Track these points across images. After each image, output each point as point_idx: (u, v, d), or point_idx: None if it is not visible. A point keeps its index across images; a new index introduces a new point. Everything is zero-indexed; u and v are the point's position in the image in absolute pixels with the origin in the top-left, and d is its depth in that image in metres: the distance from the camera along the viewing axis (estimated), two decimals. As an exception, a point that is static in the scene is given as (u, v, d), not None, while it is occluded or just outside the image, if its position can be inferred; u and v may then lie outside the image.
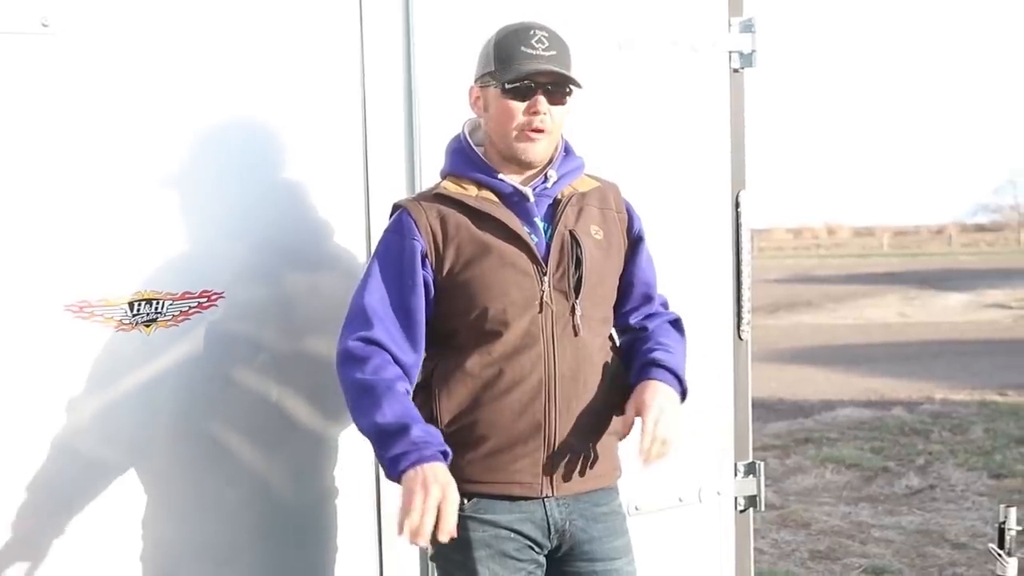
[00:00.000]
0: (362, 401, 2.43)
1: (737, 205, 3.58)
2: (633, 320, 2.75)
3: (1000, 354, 14.74)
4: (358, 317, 2.52)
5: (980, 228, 68.81)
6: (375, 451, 2.43)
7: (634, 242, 2.74)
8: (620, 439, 2.69)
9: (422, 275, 2.53)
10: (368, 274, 2.57)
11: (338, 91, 2.94)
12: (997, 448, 8.73)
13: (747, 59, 3.55)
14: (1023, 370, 13.05)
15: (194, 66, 2.76)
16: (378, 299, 2.52)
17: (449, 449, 2.40)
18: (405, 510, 2.31)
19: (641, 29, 3.35)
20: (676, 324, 2.78)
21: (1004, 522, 3.58)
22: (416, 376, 2.57)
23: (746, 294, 3.58)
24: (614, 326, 2.75)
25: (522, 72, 2.50)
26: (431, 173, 2.95)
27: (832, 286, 27.73)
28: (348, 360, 2.48)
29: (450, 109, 2.96)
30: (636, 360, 2.67)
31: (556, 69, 2.50)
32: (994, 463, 8.25)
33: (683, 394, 2.64)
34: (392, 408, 2.40)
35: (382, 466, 2.41)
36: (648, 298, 2.77)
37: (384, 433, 2.38)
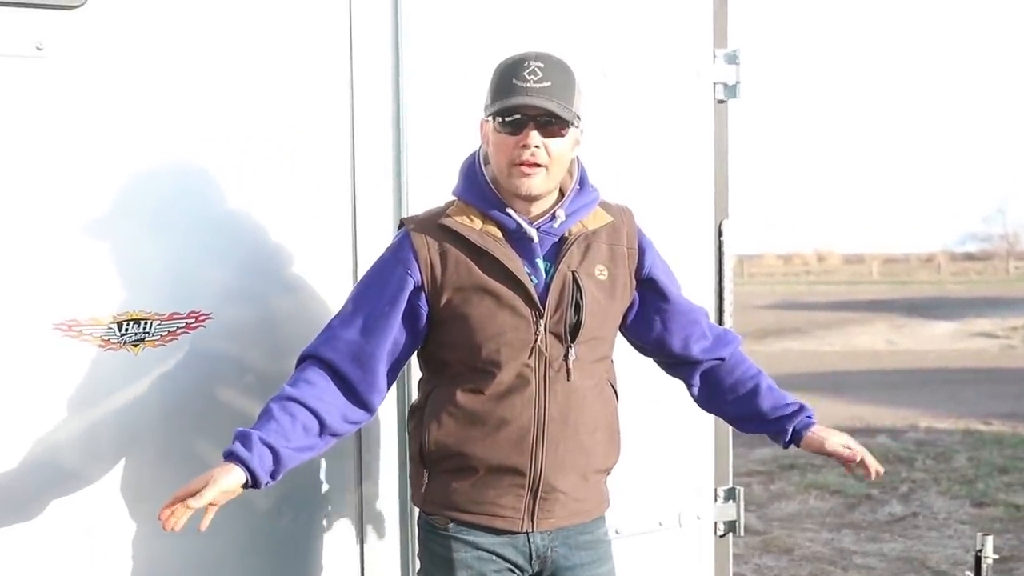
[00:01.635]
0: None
1: (720, 234, 3.62)
2: (698, 352, 2.82)
3: (986, 383, 14.79)
4: (323, 335, 2.58)
5: (969, 257, 68.93)
6: None
7: (647, 281, 2.71)
8: (608, 474, 2.73)
9: (408, 307, 2.54)
10: (355, 289, 2.62)
11: (326, 112, 2.98)
12: (980, 476, 8.78)
13: (731, 90, 3.59)
14: (1008, 399, 13.09)
15: (184, 88, 2.79)
16: (346, 316, 2.57)
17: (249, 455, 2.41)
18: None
19: (626, 58, 3.39)
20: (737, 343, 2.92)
21: (981, 550, 3.61)
22: (372, 399, 2.58)
23: (728, 321, 3.62)
24: (664, 356, 2.83)
25: (506, 105, 2.45)
26: (418, 191, 2.98)
27: (821, 313, 27.77)
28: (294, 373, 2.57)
29: (438, 131, 3.00)
30: (760, 403, 2.85)
31: (537, 103, 2.43)
32: (977, 491, 8.29)
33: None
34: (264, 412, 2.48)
35: None
36: (687, 328, 2.79)
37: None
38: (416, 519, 2.74)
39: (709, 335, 2.82)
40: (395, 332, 2.55)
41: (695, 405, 3.26)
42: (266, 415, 2.45)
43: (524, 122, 2.46)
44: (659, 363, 2.90)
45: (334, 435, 2.54)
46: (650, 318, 2.76)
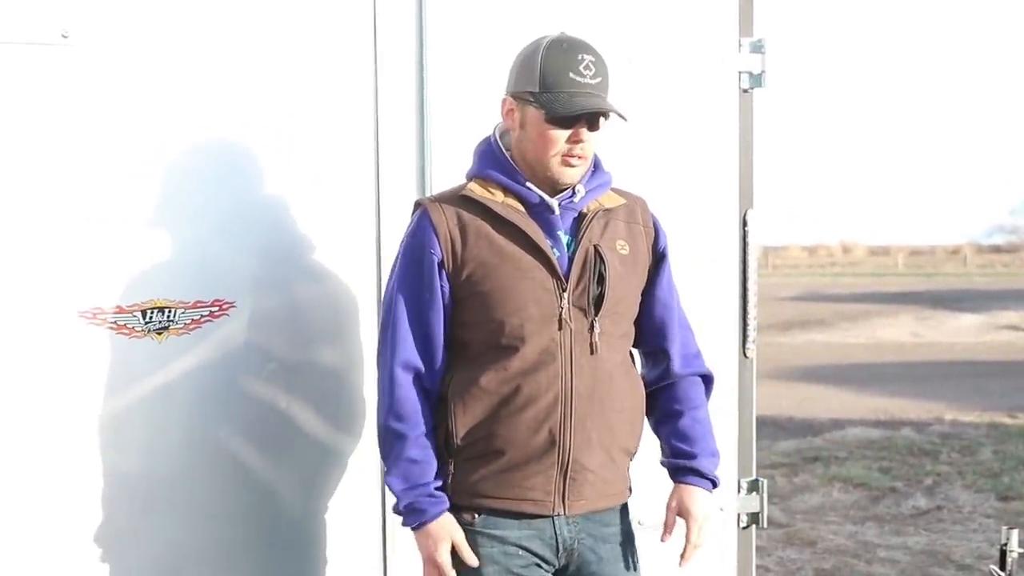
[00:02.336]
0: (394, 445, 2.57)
1: (744, 223, 3.60)
2: (652, 346, 2.75)
3: (1012, 376, 14.69)
4: (394, 343, 2.57)
5: (996, 249, 68.48)
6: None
7: (658, 259, 2.72)
8: (631, 458, 2.72)
9: (439, 287, 2.54)
10: (393, 288, 2.59)
11: (349, 100, 2.98)
12: (1005, 470, 8.72)
13: (756, 79, 3.57)
14: (1034, 392, 13.01)
15: (210, 76, 2.80)
16: (404, 322, 2.56)
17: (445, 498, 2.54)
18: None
19: (651, 46, 3.38)
20: (706, 382, 2.81)
21: (1006, 544, 3.58)
22: (438, 388, 2.60)
23: (752, 312, 3.61)
24: (633, 344, 2.75)
25: (572, 109, 2.46)
26: (442, 182, 2.97)
27: (846, 304, 27.66)
28: (389, 394, 2.57)
29: (462, 119, 2.99)
30: (670, 434, 2.75)
31: (607, 108, 2.48)
32: (1002, 485, 8.23)
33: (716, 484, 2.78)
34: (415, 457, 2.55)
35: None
36: (664, 321, 2.74)
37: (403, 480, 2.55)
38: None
39: (685, 343, 2.79)
40: (442, 312, 2.57)
41: (716, 397, 3.26)
42: (412, 462, 2.54)
43: (578, 119, 2.49)
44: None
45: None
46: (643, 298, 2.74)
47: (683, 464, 2.72)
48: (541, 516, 2.57)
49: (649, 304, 2.72)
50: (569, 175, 2.54)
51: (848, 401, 12.48)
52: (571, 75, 2.47)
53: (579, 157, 2.52)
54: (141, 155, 2.73)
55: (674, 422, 2.74)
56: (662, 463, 2.78)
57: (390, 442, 2.55)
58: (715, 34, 3.51)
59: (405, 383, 2.55)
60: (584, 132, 2.49)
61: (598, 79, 2.49)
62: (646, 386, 2.76)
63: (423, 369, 2.56)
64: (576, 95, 2.47)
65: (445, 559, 2.50)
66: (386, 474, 2.57)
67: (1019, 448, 9.58)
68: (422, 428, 2.54)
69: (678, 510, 2.71)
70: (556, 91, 2.47)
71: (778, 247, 61.37)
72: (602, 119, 2.53)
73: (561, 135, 2.50)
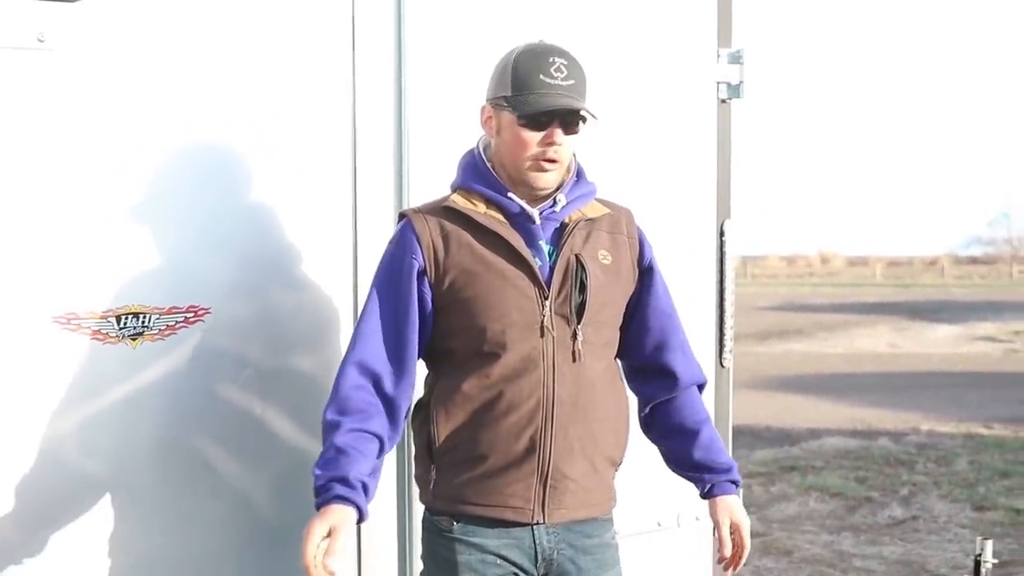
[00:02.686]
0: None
1: (722, 234, 3.61)
2: (655, 360, 2.76)
3: (988, 387, 14.79)
4: (356, 342, 2.57)
5: (973, 260, 68.84)
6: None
7: (645, 271, 2.72)
8: (616, 468, 2.72)
9: (417, 294, 2.54)
10: (370, 292, 2.59)
11: (326, 105, 2.97)
12: (981, 480, 8.77)
13: (735, 90, 3.58)
14: (1010, 403, 13.09)
15: (184, 80, 2.78)
16: (374, 323, 2.55)
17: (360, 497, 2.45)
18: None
19: (628, 56, 3.38)
20: (701, 388, 2.84)
21: (980, 554, 3.61)
22: (406, 399, 2.59)
23: (729, 322, 3.61)
24: (631, 357, 2.76)
25: (540, 107, 2.47)
26: (419, 189, 2.97)
27: (824, 315, 27.77)
28: (336, 389, 2.55)
29: (440, 124, 2.99)
30: (695, 449, 2.76)
31: (576, 106, 2.48)
32: (977, 495, 8.28)
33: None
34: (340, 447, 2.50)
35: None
36: (666, 331, 2.75)
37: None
38: (420, 520, 2.72)
39: (686, 352, 2.80)
40: (419, 322, 2.56)
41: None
42: (338, 451, 2.47)
43: (551, 120, 2.50)
44: (626, 368, 2.84)
45: (385, 451, 2.57)
46: (635, 309, 2.74)
47: (722, 478, 2.75)
48: (520, 524, 2.56)
49: (645, 315, 2.73)
50: (544, 179, 2.54)
51: (825, 411, 12.53)
52: (541, 76, 2.48)
53: (552, 160, 2.52)
54: (117, 160, 2.71)
55: (695, 437, 2.76)
56: (690, 476, 2.80)
57: (324, 432, 2.52)
58: (693, 44, 3.52)
59: (354, 381, 2.53)
60: (558, 134, 2.50)
61: (571, 81, 2.50)
62: (649, 399, 2.78)
63: (382, 375, 2.54)
64: (546, 95, 2.48)
65: (316, 532, 2.40)
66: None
67: (995, 459, 9.64)
68: (361, 425, 2.49)
69: (730, 521, 2.74)
70: (527, 93, 2.49)
71: (757, 257, 61.61)
72: (581, 124, 2.54)
73: (534, 137, 2.51)
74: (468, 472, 2.55)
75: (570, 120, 2.51)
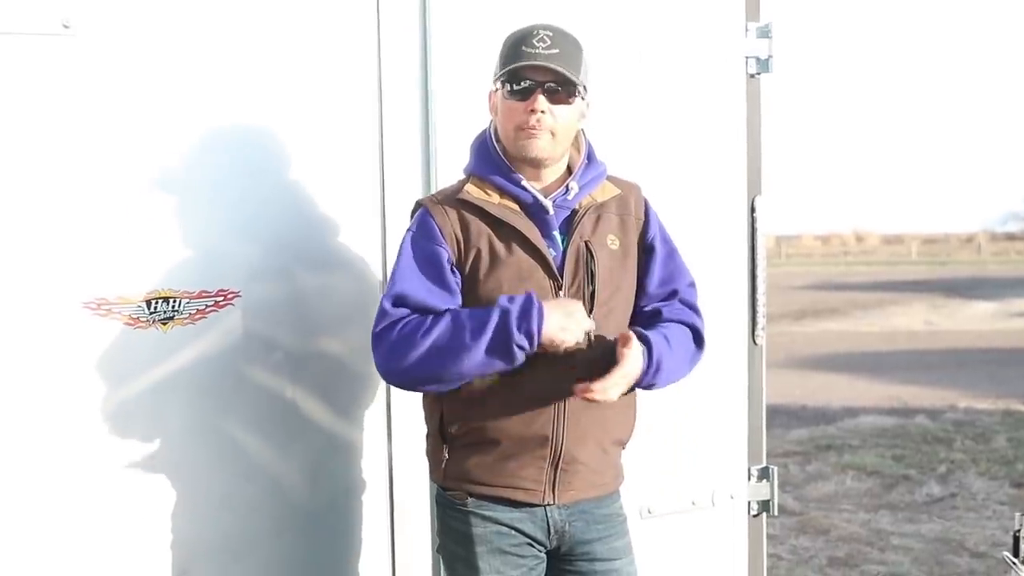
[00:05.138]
0: (440, 343, 2.44)
1: (753, 210, 3.58)
2: (647, 308, 2.70)
3: (1026, 363, 14.65)
4: (395, 302, 2.51)
5: (1010, 237, 68.25)
6: (497, 353, 2.42)
7: (647, 247, 2.70)
8: (624, 447, 2.73)
9: (449, 270, 2.53)
10: (397, 269, 2.54)
11: (354, 90, 2.97)
12: (1020, 457, 8.69)
13: (764, 64, 3.55)
14: (1048, 379, 12.96)
15: (212, 66, 2.79)
16: (414, 287, 2.51)
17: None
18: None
19: (657, 32, 3.36)
20: (692, 330, 2.71)
21: (1020, 530, 3.57)
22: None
23: (761, 299, 3.59)
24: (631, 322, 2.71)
25: (514, 68, 2.49)
26: (447, 172, 2.97)
27: (859, 293, 27.59)
28: (390, 325, 2.48)
29: (466, 108, 2.98)
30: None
31: (546, 64, 2.48)
32: (1016, 472, 8.21)
33: (642, 382, 2.58)
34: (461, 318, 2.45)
35: (515, 346, 2.40)
36: (667, 296, 2.71)
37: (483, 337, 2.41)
38: (435, 496, 2.72)
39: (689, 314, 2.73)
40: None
41: (726, 385, 3.23)
42: (460, 316, 2.46)
43: (532, 88, 2.50)
44: None
45: None
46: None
47: (638, 331, 2.59)
48: (531, 505, 2.58)
49: (643, 287, 2.70)
50: (532, 146, 2.52)
51: (861, 389, 12.45)
52: (524, 48, 2.50)
53: (535, 127, 2.50)
54: (146, 147, 2.72)
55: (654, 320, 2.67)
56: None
57: (429, 336, 2.43)
58: (721, 19, 3.49)
59: (400, 312, 2.49)
60: (541, 101, 2.50)
61: (554, 50, 2.49)
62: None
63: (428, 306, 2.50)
64: (526, 61, 2.49)
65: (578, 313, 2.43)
66: (475, 345, 2.40)
67: (1033, 435, 9.55)
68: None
69: (623, 342, 2.52)
70: (511, 65, 2.50)
71: (791, 236, 61.37)
72: (575, 95, 2.53)
73: (517, 106, 2.52)
74: (480, 455, 2.57)
75: (556, 89, 2.51)
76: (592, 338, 2.51)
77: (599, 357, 2.54)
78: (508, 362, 2.42)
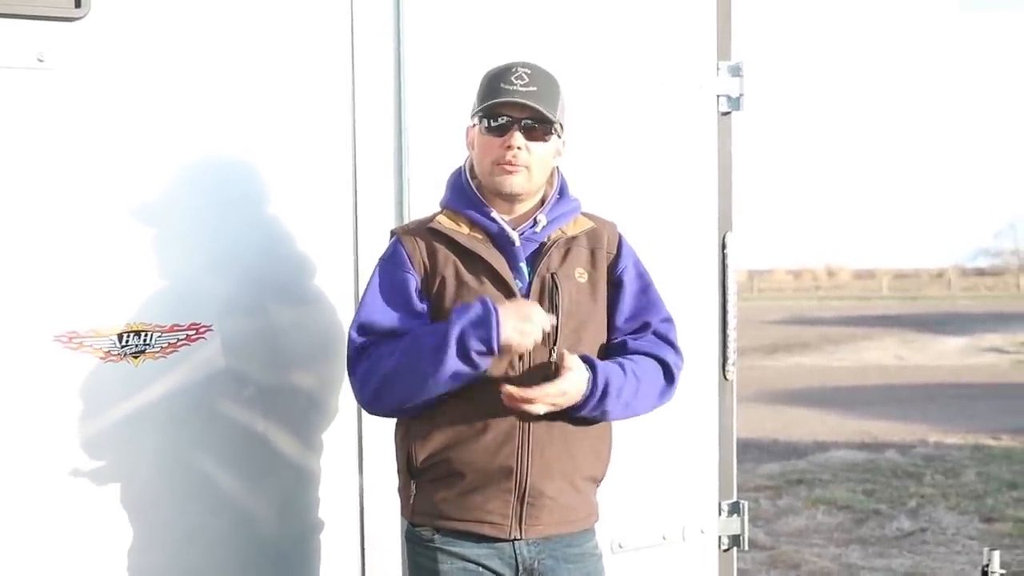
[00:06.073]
0: (402, 365, 2.48)
1: (723, 246, 3.61)
2: (616, 341, 2.68)
3: (995, 398, 14.75)
4: (359, 331, 2.56)
5: (980, 272, 68.61)
6: (459, 365, 2.43)
7: (616, 281, 2.68)
8: (598, 484, 2.71)
9: (416, 298, 2.56)
10: (365, 298, 2.59)
11: (327, 125, 2.98)
12: (989, 492, 8.74)
13: (735, 103, 3.59)
14: (1018, 414, 13.05)
15: (185, 103, 2.79)
16: (379, 314, 2.55)
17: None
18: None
19: (629, 70, 3.39)
20: (661, 363, 2.67)
21: (987, 565, 3.59)
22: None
23: (732, 334, 3.61)
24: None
25: (492, 104, 2.52)
26: (420, 207, 2.98)
27: (831, 328, 27.71)
28: (358, 354, 2.55)
29: (440, 143, 3.00)
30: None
31: (523, 102, 2.51)
32: (985, 507, 8.25)
33: (586, 407, 2.54)
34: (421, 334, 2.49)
35: (477, 356, 2.43)
36: (637, 329, 2.69)
37: (442, 352, 2.43)
38: (404, 532, 2.72)
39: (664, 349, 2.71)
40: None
41: (696, 419, 3.22)
42: (420, 333, 2.50)
43: (509, 125, 2.54)
44: None
45: None
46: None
47: (586, 356, 2.57)
48: (500, 539, 2.57)
49: (609, 331, 2.69)
50: (507, 183, 2.56)
51: (832, 424, 12.50)
52: (502, 84, 2.53)
53: (511, 163, 2.54)
54: (117, 179, 2.72)
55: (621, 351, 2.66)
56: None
57: (385, 365, 2.50)
58: (693, 58, 3.53)
59: (364, 340, 2.55)
60: (517, 138, 2.53)
61: (532, 88, 2.53)
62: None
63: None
64: (504, 98, 2.52)
65: (535, 314, 2.45)
66: (437, 360, 2.42)
67: (1002, 470, 9.61)
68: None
69: (565, 361, 2.50)
70: (488, 101, 2.54)
71: (763, 271, 61.48)
72: (551, 133, 2.57)
73: (494, 142, 2.55)
74: (447, 489, 2.56)
75: (533, 126, 2.54)
76: (555, 338, 2.52)
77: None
78: (473, 368, 2.44)
